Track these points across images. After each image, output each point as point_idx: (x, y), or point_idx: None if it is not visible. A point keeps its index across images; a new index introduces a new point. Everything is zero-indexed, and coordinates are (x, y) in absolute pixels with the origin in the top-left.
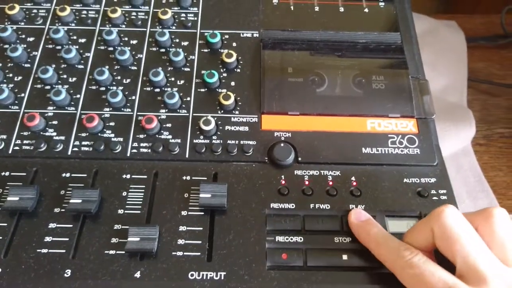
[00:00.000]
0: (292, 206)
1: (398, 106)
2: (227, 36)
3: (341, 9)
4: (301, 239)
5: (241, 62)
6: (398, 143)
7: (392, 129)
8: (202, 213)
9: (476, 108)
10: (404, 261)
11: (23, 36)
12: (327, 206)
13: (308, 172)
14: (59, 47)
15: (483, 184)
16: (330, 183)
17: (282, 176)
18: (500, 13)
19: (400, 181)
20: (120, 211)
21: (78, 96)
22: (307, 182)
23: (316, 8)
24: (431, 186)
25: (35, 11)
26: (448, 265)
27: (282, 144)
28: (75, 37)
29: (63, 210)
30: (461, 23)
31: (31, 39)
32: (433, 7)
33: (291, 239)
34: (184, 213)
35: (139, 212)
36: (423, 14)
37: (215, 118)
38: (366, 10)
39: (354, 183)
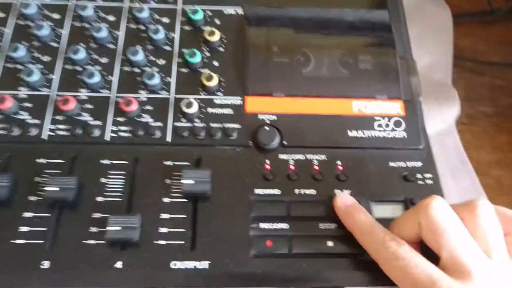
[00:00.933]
0: (277, 191)
1: (385, 88)
2: (209, 13)
3: None
4: (286, 225)
5: (224, 40)
6: (384, 126)
7: (379, 112)
8: (185, 200)
9: (460, 86)
10: (389, 251)
11: None
12: (313, 192)
13: (294, 156)
14: (31, 23)
15: (467, 165)
16: (316, 167)
17: (267, 161)
18: None
19: (386, 165)
20: (99, 199)
21: (52, 76)
22: (292, 167)
23: None
24: (417, 170)
25: None
26: (432, 257)
27: (266, 128)
28: (48, 13)
29: (39, 198)
30: None
31: (1, 14)
32: None
33: (276, 225)
34: (166, 200)
35: (119, 199)
36: None
37: (198, 100)
38: None
39: (340, 168)
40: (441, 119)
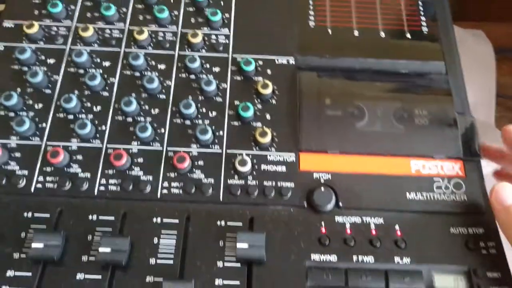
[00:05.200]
0: (334, 258)
1: (443, 146)
2: (260, 62)
3: (382, 34)
4: None
5: (276, 92)
6: (444, 188)
7: (437, 172)
8: (239, 264)
9: (503, 125)
10: None
11: None
12: (371, 259)
13: (350, 219)
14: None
15: None
16: (373, 232)
17: (322, 223)
18: None
19: (447, 231)
20: (152, 261)
21: (103, 127)
22: (349, 231)
23: (356, 33)
24: (479, 237)
25: None
26: None
27: (322, 189)
28: (98, 60)
29: (91, 258)
30: (487, 32)
31: None
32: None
33: None
34: (219, 264)
35: (171, 262)
36: None
37: (250, 156)
38: (408, 35)
39: (399, 233)
40: (486, 164)
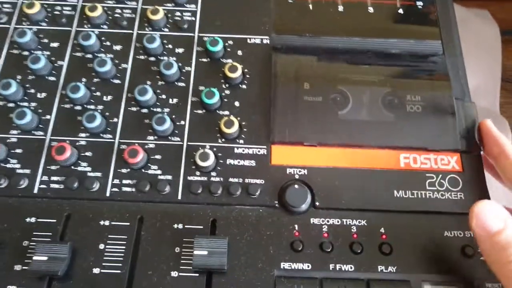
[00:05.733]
0: (308, 266)
1: (438, 137)
2: (230, 42)
3: (370, 9)
4: None
5: (247, 76)
6: (437, 185)
7: (430, 167)
8: (197, 274)
9: (508, 113)
10: None
11: None
12: (351, 268)
13: (327, 221)
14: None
15: None
16: (354, 236)
17: (296, 226)
18: None
19: (440, 235)
20: (96, 270)
21: (48, 117)
22: (326, 234)
23: (340, 8)
24: None
25: None
26: None
27: (296, 186)
28: (46, 40)
29: (26, 267)
30: (493, 11)
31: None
32: None
33: None
34: (174, 274)
35: (119, 271)
36: None
37: (215, 149)
38: (401, 11)
39: (384, 236)
40: None
